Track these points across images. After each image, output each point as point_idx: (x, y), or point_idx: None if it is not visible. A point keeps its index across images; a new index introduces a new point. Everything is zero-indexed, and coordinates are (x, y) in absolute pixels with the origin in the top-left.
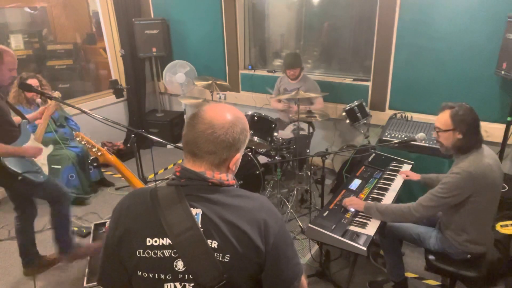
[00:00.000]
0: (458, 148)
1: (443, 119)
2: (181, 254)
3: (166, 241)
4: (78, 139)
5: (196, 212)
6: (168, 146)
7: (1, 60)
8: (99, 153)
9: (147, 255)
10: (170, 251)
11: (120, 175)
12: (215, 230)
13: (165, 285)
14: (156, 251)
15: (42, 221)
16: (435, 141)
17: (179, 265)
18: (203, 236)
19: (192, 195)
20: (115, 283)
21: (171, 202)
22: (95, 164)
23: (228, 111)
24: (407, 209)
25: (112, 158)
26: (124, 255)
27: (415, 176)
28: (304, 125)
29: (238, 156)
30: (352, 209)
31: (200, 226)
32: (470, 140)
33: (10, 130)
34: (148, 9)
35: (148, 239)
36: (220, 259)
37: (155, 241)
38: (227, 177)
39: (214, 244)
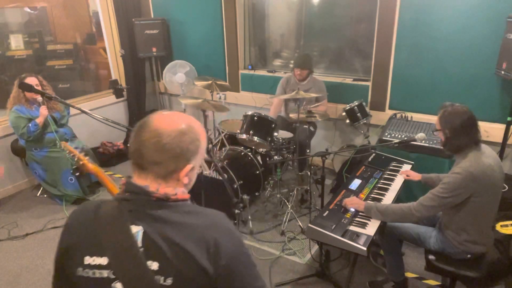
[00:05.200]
0: (447, 147)
1: (436, 119)
2: (120, 276)
3: (105, 261)
4: (62, 147)
5: (137, 230)
6: None
7: None
8: (80, 162)
9: (85, 275)
10: (109, 271)
11: (121, 176)
12: (156, 251)
13: None
14: (94, 270)
15: (43, 221)
16: (435, 141)
17: (118, 287)
18: (142, 257)
19: (135, 211)
20: None
21: (111, 218)
22: (77, 173)
23: (177, 119)
24: (408, 209)
25: (93, 167)
26: (67, 272)
27: (416, 176)
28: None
29: (189, 168)
30: (352, 209)
31: (140, 245)
32: (457, 140)
33: None
34: (148, 9)
35: (86, 257)
36: (162, 282)
37: (93, 260)
38: (175, 191)
39: (155, 265)
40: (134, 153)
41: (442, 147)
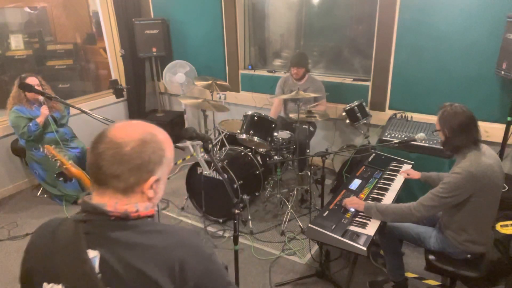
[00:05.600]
0: (447, 147)
1: (436, 119)
2: None
3: None
4: (46, 152)
5: (94, 255)
6: None
7: None
8: (63, 167)
9: None
10: None
11: None
12: (115, 277)
13: None
14: None
15: (42, 221)
16: (435, 141)
17: None
18: (99, 284)
19: (91, 234)
20: None
21: (67, 241)
22: (61, 178)
23: (137, 128)
24: (408, 209)
25: (76, 172)
26: None
27: (416, 175)
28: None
29: (153, 180)
30: (352, 209)
31: (98, 271)
32: (455, 140)
33: None
34: (148, 9)
35: (44, 284)
36: None
37: (51, 287)
38: (136, 207)
39: None
40: (91, 167)
41: (442, 147)
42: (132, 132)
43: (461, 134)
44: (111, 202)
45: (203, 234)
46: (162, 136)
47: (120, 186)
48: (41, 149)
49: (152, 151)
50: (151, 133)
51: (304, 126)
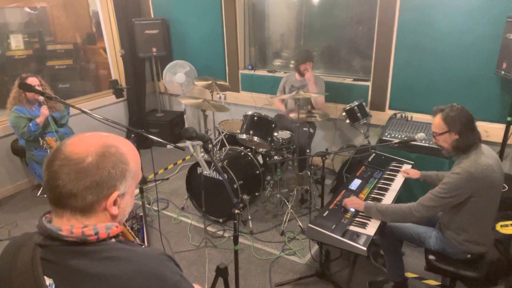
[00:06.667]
0: (457, 148)
1: (436, 122)
2: None
3: None
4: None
5: (49, 282)
6: (168, 146)
7: None
8: None
9: None
10: None
11: None
12: None
13: None
14: None
15: None
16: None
17: None
18: None
19: (47, 261)
20: None
21: (26, 267)
22: None
23: (95, 141)
24: (408, 209)
25: None
26: None
27: (415, 174)
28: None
29: (115, 195)
30: (352, 209)
31: None
32: (468, 138)
33: None
34: (148, 9)
35: None
36: None
37: None
38: (95, 230)
39: None
40: (47, 187)
41: (452, 149)
42: (89, 145)
43: (471, 131)
44: (67, 226)
45: (172, 258)
46: (124, 148)
47: (78, 206)
48: (41, 142)
49: (112, 166)
50: (111, 145)
51: (304, 128)
